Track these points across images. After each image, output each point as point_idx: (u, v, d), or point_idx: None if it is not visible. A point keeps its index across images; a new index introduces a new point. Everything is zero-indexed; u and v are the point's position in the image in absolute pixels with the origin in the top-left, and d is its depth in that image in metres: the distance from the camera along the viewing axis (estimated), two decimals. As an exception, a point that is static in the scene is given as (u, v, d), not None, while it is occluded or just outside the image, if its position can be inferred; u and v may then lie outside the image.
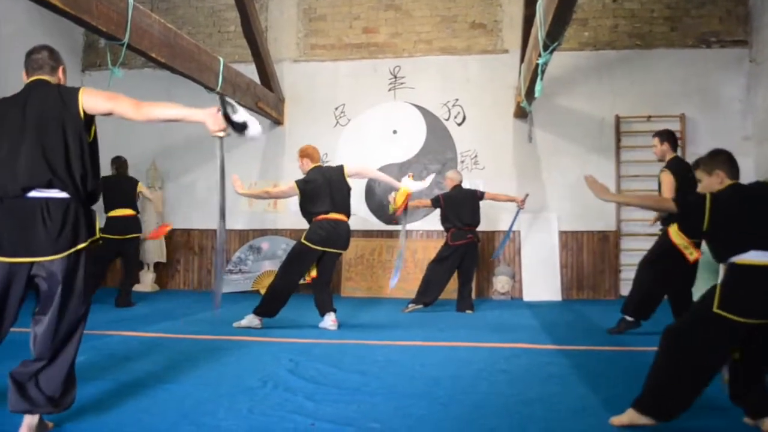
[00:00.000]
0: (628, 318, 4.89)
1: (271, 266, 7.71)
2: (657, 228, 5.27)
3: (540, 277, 7.66)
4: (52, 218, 2.37)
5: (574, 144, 7.88)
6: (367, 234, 8.08)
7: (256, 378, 3.36)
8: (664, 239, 4.67)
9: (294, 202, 5.76)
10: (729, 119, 7.60)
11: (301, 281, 5.30)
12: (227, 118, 2.59)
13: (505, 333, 5.03)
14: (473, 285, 6.74)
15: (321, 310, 5.21)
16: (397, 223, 6.60)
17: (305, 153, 5.34)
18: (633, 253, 7.26)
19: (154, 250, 8.19)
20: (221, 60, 6.43)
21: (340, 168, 5.28)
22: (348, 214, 5.24)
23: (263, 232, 8.31)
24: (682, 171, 4.64)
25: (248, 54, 7.82)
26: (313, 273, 5.18)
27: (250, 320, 5.09)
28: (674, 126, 7.21)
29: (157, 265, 8.39)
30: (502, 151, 8.02)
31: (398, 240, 6.23)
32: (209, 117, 2.55)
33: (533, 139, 7.95)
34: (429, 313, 6.22)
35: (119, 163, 6.65)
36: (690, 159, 5.33)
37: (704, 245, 3.20)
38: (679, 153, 5.20)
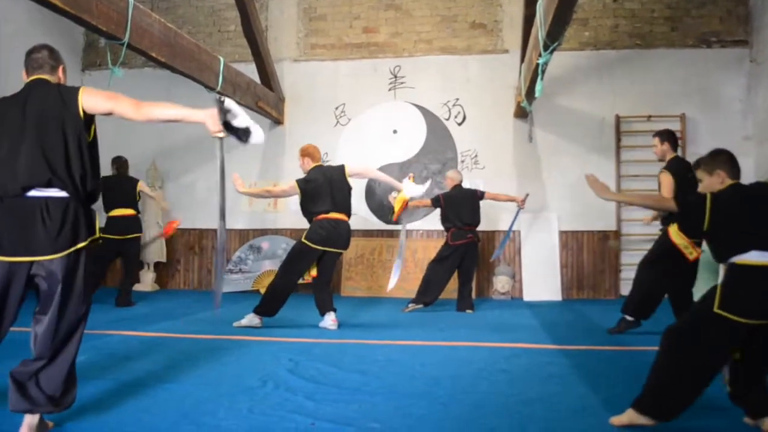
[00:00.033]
0: (629, 318, 4.88)
1: (271, 266, 7.71)
2: (657, 228, 5.27)
3: (540, 277, 7.66)
4: (51, 217, 2.37)
5: (575, 144, 7.87)
6: (368, 233, 8.08)
7: (256, 377, 3.36)
8: (664, 239, 4.67)
9: (294, 201, 5.76)
10: (729, 119, 7.60)
11: (301, 280, 5.30)
12: (227, 125, 2.55)
13: (505, 333, 5.03)
14: (473, 285, 6.74)
15: (321, 309, 5.21)
16: (397, 223, 6.60)
17: (306, 152, 5.34)
18: (633, 253, 7.27)
19: (154, 250, 8.19)
20: (221, 59, 6.43)
21: (341, 168, 5.28)
22: (349, 214, 5.24)
23: (263, 232, 8.31)
24: (682, 171, 4.64)
25: (248, 53, 7.82)
26: (314, 272, 5.18)
27: (250, 319, 5.09)
28: (674, 126, 7.21)
29: (157, 264, 8.39)
30: (503, 150, 8.02)
31: (398, 239, 6.22)
32: (209, 117, 2.54)
33: (533, 139, 7.95)
34: (429, 313, 6.22)
35: (120, 163, 6.65)
36: (690, 159, 5.32)
37: (705, 245, 3.20)
38: (679, 153, 5.19)
